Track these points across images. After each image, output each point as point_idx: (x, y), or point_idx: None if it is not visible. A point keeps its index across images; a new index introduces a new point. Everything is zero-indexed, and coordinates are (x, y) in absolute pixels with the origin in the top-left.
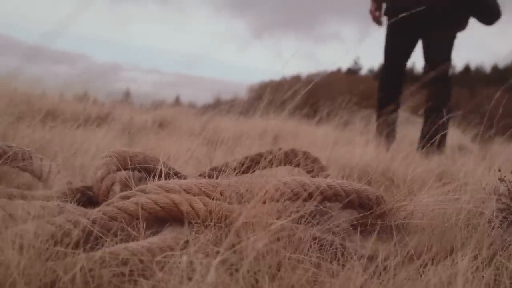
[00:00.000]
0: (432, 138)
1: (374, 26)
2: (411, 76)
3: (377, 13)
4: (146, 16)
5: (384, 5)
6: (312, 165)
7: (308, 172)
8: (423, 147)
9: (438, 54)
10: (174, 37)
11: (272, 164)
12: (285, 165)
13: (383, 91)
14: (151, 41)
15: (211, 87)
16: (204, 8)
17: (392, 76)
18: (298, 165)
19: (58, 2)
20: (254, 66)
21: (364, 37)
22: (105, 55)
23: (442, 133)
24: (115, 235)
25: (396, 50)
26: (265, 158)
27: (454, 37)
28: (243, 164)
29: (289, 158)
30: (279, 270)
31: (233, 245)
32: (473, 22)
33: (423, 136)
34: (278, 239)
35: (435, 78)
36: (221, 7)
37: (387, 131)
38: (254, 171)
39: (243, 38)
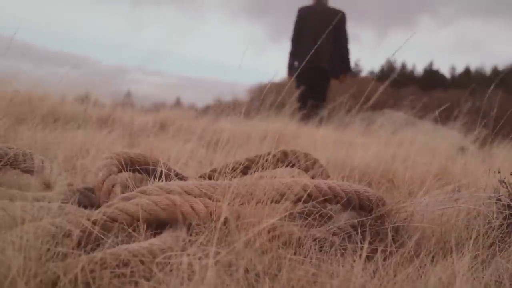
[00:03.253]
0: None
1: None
2: (411, 78)
3: (291, 75)
4: (162, 21)
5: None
6: (313, 166)
7: (309, 173)
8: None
9: (319, 96)
10: (189, 42)
11: (272, 165)
12: (285, 166)
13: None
14: (164, 46)
15: (213, 89)
16: (221, 13)
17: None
18: (298, 166)
19: (74, 8)
20: (271, 70)
21: (382, 40)
22: (116, 59)
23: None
24: (116, 236)
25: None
26: (266, 160)
27: (328, 85)
28: (243, 166)
29: (290, 159)
30: (279, 271)
31: (231, 244)
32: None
33: (308, 116)
34: (274, 238)
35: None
36: (238, 12)
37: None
38: (254, 172)
39: (260, 42)
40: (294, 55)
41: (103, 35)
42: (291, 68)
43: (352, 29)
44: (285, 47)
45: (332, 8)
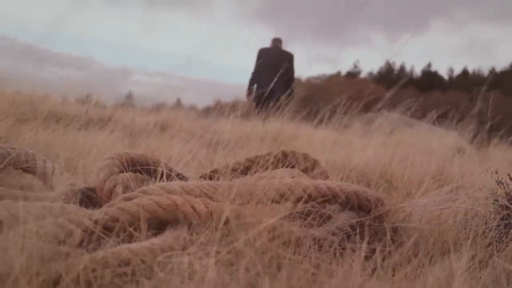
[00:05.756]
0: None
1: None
2: (410, 80)
3: (249, 97)
4: (175, 24)
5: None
6: (312, 167)
7: (308, 174)
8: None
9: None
10: (203, 46)
11: (272, 166)
12: (285, 167)
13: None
14: (175, 49)
15: (215, 90)
16: (235, 17)
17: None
18: (298, 167)
19: (85, 10)
20: None
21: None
22: (122, 61)
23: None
24: (117, 235)
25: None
26: (266, 160)
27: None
28: (243, 166)
29: (289, 160)
30: (279, 270)
31: (231, 243)
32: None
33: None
34: (274, 238)
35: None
36: (251, 16)
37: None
38: (254, 173)
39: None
40: (253, 82)
41: (111, 37)
42: (250, 91)
43: (363, 31)
44: (294, 50)
45: (285, 50)
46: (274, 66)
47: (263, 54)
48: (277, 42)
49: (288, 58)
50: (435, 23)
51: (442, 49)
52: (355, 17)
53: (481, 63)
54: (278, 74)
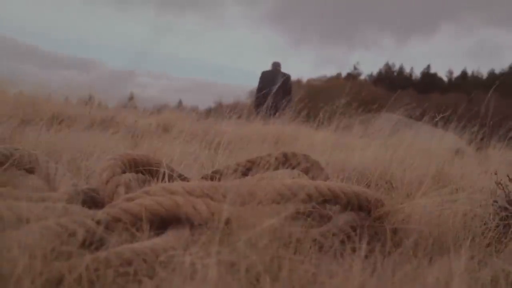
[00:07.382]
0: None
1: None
2: (409, 81)
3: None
4: (186, 28)
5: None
6: (312, 168)
7: (308, 175)
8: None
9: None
10: (212, 50)
11: (273, 166)
12: (286, 168)
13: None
14: (177, 50)
15: (216, 91)
16: (243, 20)
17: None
18: (298, 168)
19: (95, 14)
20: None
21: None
22: (128, 64)
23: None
24: (120, 235)
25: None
26: (266, 161)
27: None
28: (244, 167)
29: (290, 161)
30: (280, 270)
31: (232, 244)
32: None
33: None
34: (275, 238)
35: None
36: (260, 20)
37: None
38: (255, 173)
39: (282, 49)
40: (258, 98)
41: (119, 40)
42: (256, 107)
43: (372, 34)
44: (301, 53)
45: (283, 72)
46: (274, 85)
47: (265, 76)
48: (276, 65)
49: (286, 78)
50: (445, 27)
51: (450, 52)
52: (364, 20)
53: (488, 66)
54: (274, 89)
